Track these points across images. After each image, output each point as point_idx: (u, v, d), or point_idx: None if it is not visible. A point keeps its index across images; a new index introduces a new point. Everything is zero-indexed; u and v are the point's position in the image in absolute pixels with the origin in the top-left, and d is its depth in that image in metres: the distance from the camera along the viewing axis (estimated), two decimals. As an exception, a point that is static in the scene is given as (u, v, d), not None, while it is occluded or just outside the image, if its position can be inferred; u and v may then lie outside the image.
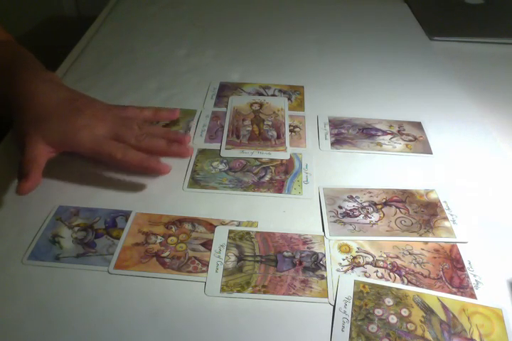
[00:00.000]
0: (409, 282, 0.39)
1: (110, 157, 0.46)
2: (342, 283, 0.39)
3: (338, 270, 0.40)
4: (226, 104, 0.61)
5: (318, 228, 0.44)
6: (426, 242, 0.43)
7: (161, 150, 0.48)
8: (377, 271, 0.40)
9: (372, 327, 0.36)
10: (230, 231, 0.43)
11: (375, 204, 0.47)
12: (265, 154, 0.52)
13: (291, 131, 0.56)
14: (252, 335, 0.35)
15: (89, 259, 0.40)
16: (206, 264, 0.40)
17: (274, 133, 0.56)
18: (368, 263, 0.41)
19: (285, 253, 0.41)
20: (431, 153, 0.54)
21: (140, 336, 0.35)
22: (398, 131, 0.57)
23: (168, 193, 0.47)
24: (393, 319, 0.36)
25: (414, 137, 0.56)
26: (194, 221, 0.44)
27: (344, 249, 0.42)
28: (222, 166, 0.51)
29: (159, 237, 0.42)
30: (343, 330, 0.36)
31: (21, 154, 0.45)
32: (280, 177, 0.50)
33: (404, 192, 0.48)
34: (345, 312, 0.37)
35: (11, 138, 0.54)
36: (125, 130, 0.47)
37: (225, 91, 0.63)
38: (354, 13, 0.88)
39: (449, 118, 0.60)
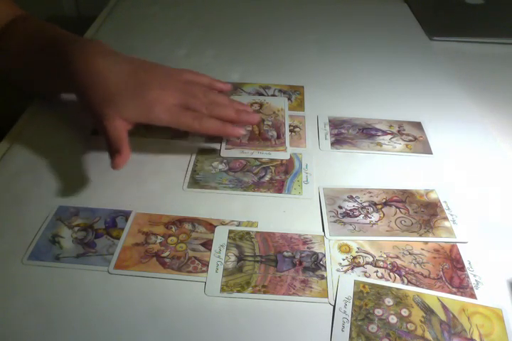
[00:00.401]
0: (409, 282, 0.39)
1: (188, 127, 0.49)
2: (342, 283, 0.39)
3: (338, 270, 0.40)
4: (226, 104, 0.61)
5: (318, 228, 0.44)
6: (426, 242, 0.43)
7: (231, 119, 0.50)
8: (377, 271, 0.40)
9: (372, 327, 0.36)
10: (230, 231, 0.43)
11: (375, 204, 0.47)
12: (265, 154, 0.52)
13: (291, 131, 0.56)
14: (252, 335, 0.35)
15: (89, 259, 0.40)
16: (206, 264, 0.40)
17: (274, 133, 0.56)
18: (368, 263, 0.41)
19: (285, 253, 0.41)
20: (431, 153, 0.54)
21: (140, 336, 0.35)
22: (398, 131, 0.57)
23: (168, 193, 0.47)
24: (393, 319, 0.36)
25: (414, 137, 0.56)
26: (194, 221, 0.44)
27: (344, 249, 0.42)
28: (222, 166, 0.51)
29: (159, 237, 0.42)
30: (343, 330, 0.36)
31: (103, 133, 0.46)
32: (280, 177, 0.50)
33: (404, 192, 0.48)
34: (345, 312, 0.37)
35: (11, 139, 0.54)
36: (192, 99, 0.50)
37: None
38: (354, 13, 0.88)
39: (449, 118, 0.60)
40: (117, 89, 0.47)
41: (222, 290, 0.38)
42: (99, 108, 0.47)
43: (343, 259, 0.41)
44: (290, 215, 0.45)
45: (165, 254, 0.41)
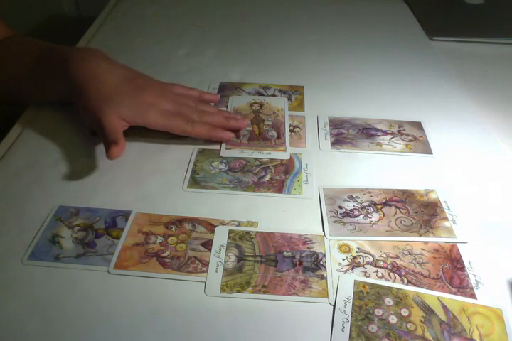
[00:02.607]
0: (409, 282, 0.39)
1: (181, 130, 0.52)
2: (342, 283, 0.39)
3: (338, 270, 0.40)
4: (226, 104, 0.61)
5: (318, 228, 0.44)
6: (426, 242, 0.43)
7: (221, 124, 0.54)
8: (377, 271, 0.40)
9: (372, 327, 0.36)
10: (230, 231, 0.43)
11: (375, 204, 0.47)
12: (265, 154, 0.52)
13: (291, 131, 0.56)
14: (252, 335, 0.35)
15: (89, 259, 0.40)
16: (206, 264, 0.40)
17: (274, 133, 0.56)
18: (368, 263, 0.41)
19: (285, 253, 0.41)
20: (431, 153, 0.54)
21: (140, 336, 0.35)
22: (398, 131, 0.57)
23: (168, 193, 0.47)
24: (393, 319, 0.36)
25: (414, 137, 0.56)
26: (194, 221, 0.44)
27: (344, 249, 0.42)
28: (222, 166, 0.51)
29: (159, 237, 0.42)
30: (343, 330, 0.36)
31: (99, 128, 0.48)
32: (280, 177, 0.50)
33: (404, 192, 0.48)
34: (345, 312, 0.37)
35: (11, 140, 0.54)
36: (185, 107, 0.53)
37: (225, 91, 0.63)
38: (354, 13, 0.88)
39: (449, 119, 0.60)
40: (116, 89, 0.50)
41: (222, 290, 0.38)
42: (97, 105, 0.49)
43: (343, 259, 0.41)
44: (290, 215, 0.45)
45: (165, 254, 0.41)
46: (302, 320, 0.37)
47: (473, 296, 0.38)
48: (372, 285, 0.39)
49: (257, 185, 0.48)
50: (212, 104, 0.60)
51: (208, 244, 0.42)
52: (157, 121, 0.50)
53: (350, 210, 0.46)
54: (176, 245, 0.42)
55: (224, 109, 0.60)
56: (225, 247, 0.42)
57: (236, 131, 0.55)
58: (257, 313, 0.37)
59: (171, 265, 0.40)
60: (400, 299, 0.38)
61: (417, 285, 0.39)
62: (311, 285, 0.39)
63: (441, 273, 0.40)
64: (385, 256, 0.42)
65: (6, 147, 0.52)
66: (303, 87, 0.65)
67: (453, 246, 0.43)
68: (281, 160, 0.52)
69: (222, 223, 0.44)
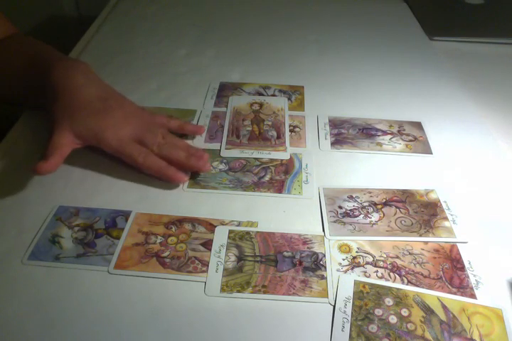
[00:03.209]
0: (409, 282, 0.39)
1: (131, 159, 0.48)
2: (342, 283, 0.39)
3: (338, 270, 0.40)
4: (226, 104, 0.61)
5: (318, 228, 0.44)
6: (426, 242, 0.43)
7: (179, 162, 0.48)
8: (377, 271, 0.40)
9: (372, 327, 0.36)
10: (230, 231, 0.43)
11: (375, 204, 0.47)
12: (265, 154, 0.52)
13: (291, 131, 0.56)
14: (252, 335, 0.35)
15: (89, 259, 0.40)
16: (206, 264, 0.40)
17: (274, 133, 0.56)
18: (368, 263, 0.41)
19: (285, 253, 0.41)
20: (431, 153, 0.54)
21: (140, 336, 0.35)
22: (398, 131, 0.57)
23: (168, 193, 0.47)
24: (393, 319, 0.36)
25: (414, 137, 0.56)
26: (194, 221, 0.44)
27: (344, 249, 0.42)
28: (222, 166, 0.51)
29: (159, 237, 0.42)
30: (343, 330, 0.36)
31: (48, 139, 0.46)
32: (280, 177, 0.50)
33: (404, 192, 0.48)
34: (345, 312, 0.37)
35: (11, 139, 0.54)
36: (149, 136, 0.49)
37: (225, 91, 0.63)
38: (354, 13, 0.88)
39: (449, 119, 0.60)
40: (83, 106, 0.48)
41: (222, 290, 0.38)
42: (58, 117, 0.48)
43: (343, 259, 0.41)
44: (290, 215, 0.45)
45: (165, 254, 0.41)
46: (302, 320, 0.37)
47: (473, 296, 0.38)
48: (372, 285, 0.39)
49: (257, 185, 0.48)
50: (202, 135, 0.55)
51: (207, 244, 0.42)
52: (110, 144, 0.47)
53: (350, 210, 0.46)
54: (176, 245, 0.42)
55: (224, 109, 0.60)
56: (225, 247, 0.42)
57: (197, 172, 0.50)
58: (257, 313, 0.37)
59: (171, 265, 0.40)
60: (400, 299, 0.38)
61: (417, 285, 0.39)
62: (311, 285, 0.39)
63: (441, 273, 0.40)
64: (385, 256, 0.42)
65: (6, 147, 0.52)
66: (303, 87, 0.65)
67: (453, 246, 0.43)
68: (281, 160, 0.52)
69: (222, 223, 0.44)
